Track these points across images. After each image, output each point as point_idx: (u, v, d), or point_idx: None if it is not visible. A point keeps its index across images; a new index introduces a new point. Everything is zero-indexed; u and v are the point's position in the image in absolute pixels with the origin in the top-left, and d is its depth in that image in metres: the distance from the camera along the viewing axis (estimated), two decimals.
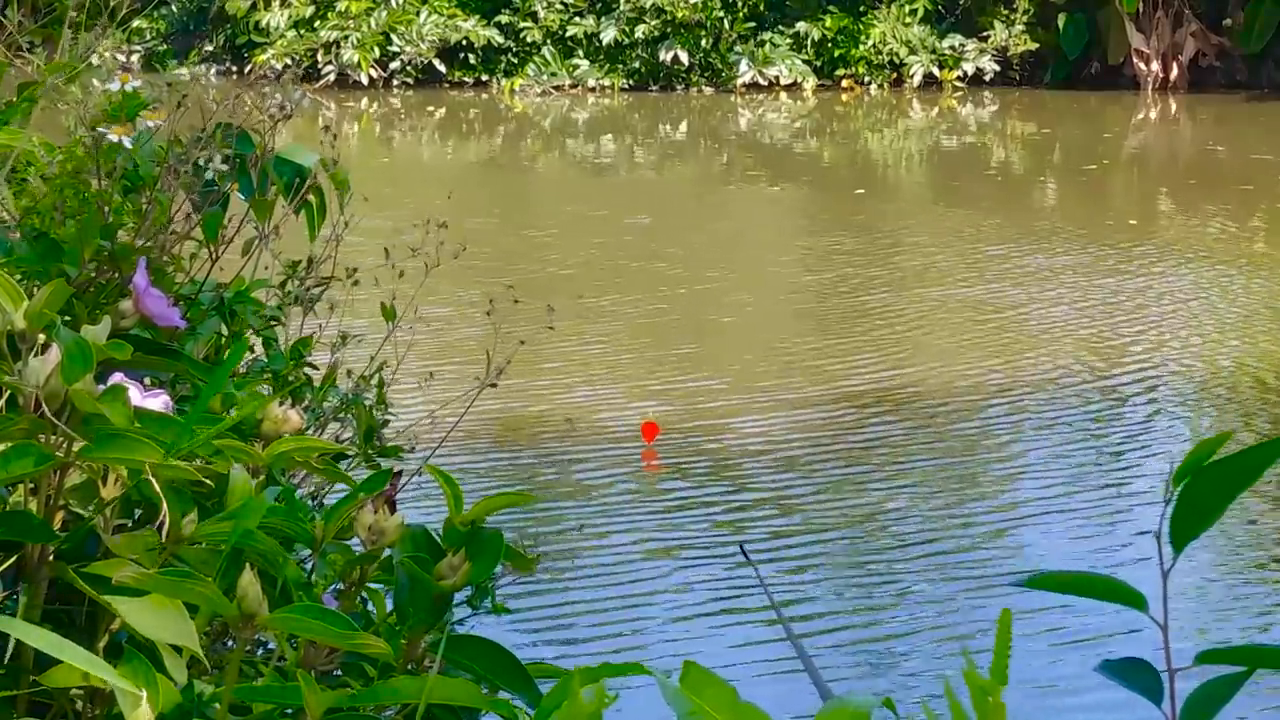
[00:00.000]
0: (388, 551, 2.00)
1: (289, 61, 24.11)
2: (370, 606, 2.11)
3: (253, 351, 2.96)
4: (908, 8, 25.78)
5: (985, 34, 25.77)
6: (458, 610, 2.21)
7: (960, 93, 25.27)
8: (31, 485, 1.86)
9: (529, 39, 26.04)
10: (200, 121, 2.75)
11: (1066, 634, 6.12)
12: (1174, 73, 24.99)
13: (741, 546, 7.12)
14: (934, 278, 13.00)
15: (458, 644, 1.94)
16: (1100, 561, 6.87)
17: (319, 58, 25.31)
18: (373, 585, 2.07)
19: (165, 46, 24.13)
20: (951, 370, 10.05)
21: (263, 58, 24.34)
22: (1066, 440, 8.69)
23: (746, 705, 1.38)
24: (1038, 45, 25.69)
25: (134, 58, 2.86)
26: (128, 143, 2.60)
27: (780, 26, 25.93)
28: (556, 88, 25.92)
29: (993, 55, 25.63)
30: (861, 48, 25.66)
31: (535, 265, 13.39)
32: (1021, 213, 16.14)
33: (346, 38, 25.74)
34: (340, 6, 25.93)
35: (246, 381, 2.37)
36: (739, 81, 25.39)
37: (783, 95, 25.26)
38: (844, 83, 25.71)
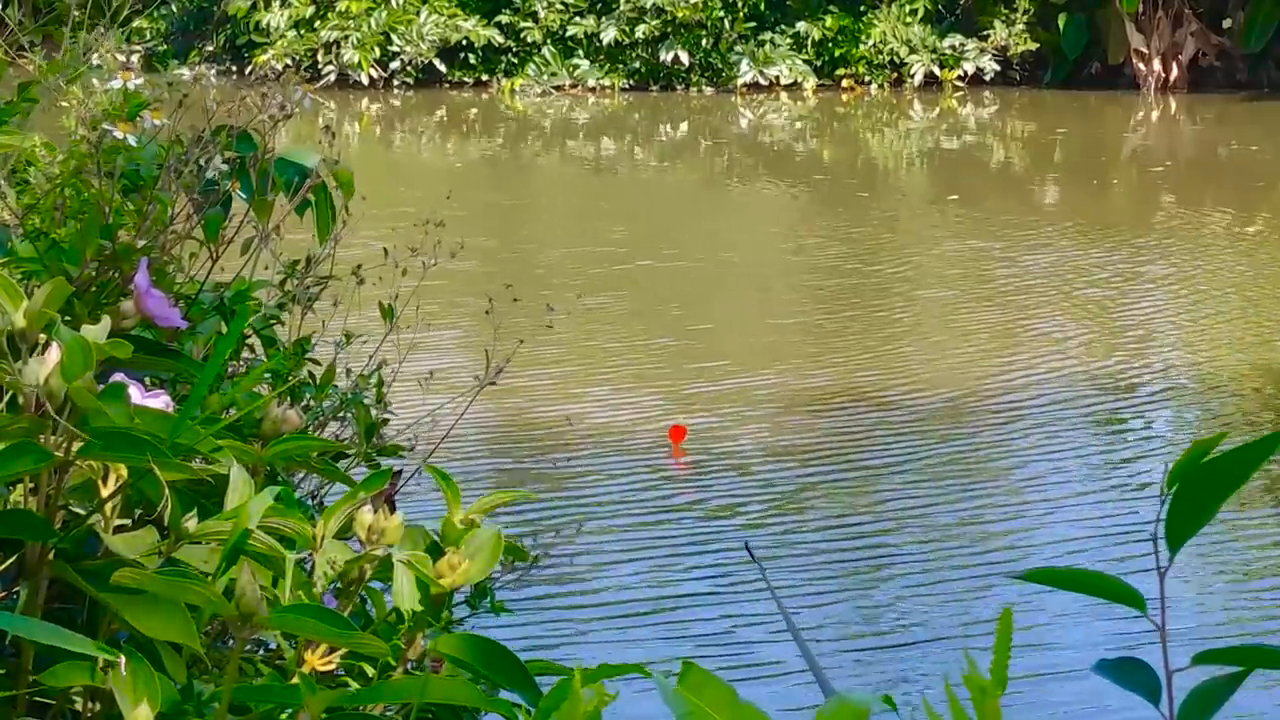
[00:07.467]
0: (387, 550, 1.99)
1: (289, 62, 24.12)
2: (370, 606, 2.11)
3: (252, 351, 2.96)
4: (908, 7, 25.75)
5: (985, 34, 25.74)
6: (457, 610, 2.21)
7: (961, 92, 25.25)
8: (31, 484, 1.86)
9: (529, 39, 26.02)
10: (201, 121, 2.74)
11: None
12: (1174, 73, 24.98)
13: (746, 544, 7.13)
14: (937, 277, 12.99)
15: (457, 643, 1.94)
16: (1102, 563, 6.86)
17: (319, 58, 25.29)
18: (372, 585, 2.06)
19: (165, 47, 24.12)
20: (954, 370, 10.05)
21: (263, 58, 24.33)
22: (1070, 440, 8.69)
23: (746, 705, 1.38)
24: (1038, 45, 25.67)
25: (134, 58, 2.86)
26: (132, 140, 2.60)
27: (781, 26, 25.90)
28: (557, 88, 25.90)
29: (993, 55, 25.60)
30: (862, 47, 25.64)
31: (535, 265, 13.39)
32: (1026, 213, 16.13)
33: (347, 38, 25.72)
34: (340, 6, 25.90)
35: (243, 380, 2.37)
36: (739, 82, 25.36)
37: (783, 95, 25.24)
38: (844, 82, 25.69)
